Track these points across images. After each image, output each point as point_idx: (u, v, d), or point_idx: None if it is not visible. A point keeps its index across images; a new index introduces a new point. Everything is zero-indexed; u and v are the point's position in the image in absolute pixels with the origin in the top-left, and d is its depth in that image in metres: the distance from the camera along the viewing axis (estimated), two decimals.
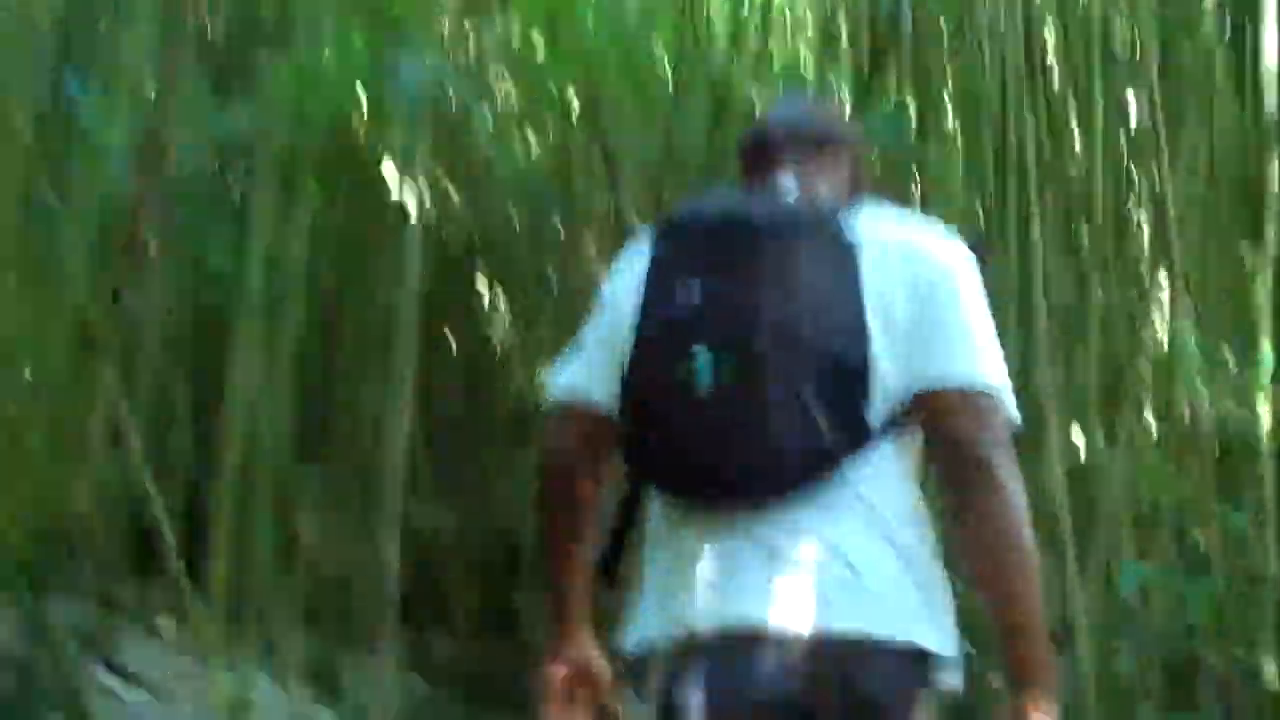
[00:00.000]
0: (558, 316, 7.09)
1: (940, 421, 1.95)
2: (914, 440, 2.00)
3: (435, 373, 8.32)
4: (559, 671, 2.10)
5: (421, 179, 5.38)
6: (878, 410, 1.93)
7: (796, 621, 1.83)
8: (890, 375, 1.93)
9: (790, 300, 1.87)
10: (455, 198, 7.36)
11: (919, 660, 1.89)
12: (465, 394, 8.72)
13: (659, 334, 1.93)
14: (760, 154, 2.18)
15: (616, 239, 7.01)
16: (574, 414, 2.10)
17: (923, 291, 1.97)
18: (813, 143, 2.17)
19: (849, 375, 1.89)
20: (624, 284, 2.07)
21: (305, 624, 5.59)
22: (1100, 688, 4.59)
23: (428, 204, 6.25)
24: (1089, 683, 4.56)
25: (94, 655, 4.79)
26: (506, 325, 9.25)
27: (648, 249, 2.06)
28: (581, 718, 2.06)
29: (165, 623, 4.80)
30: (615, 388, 2.02)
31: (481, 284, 8.89)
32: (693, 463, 1.90)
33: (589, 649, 2.13)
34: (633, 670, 1.99)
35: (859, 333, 1.90)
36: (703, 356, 1.85)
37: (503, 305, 9.19)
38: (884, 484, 1.93)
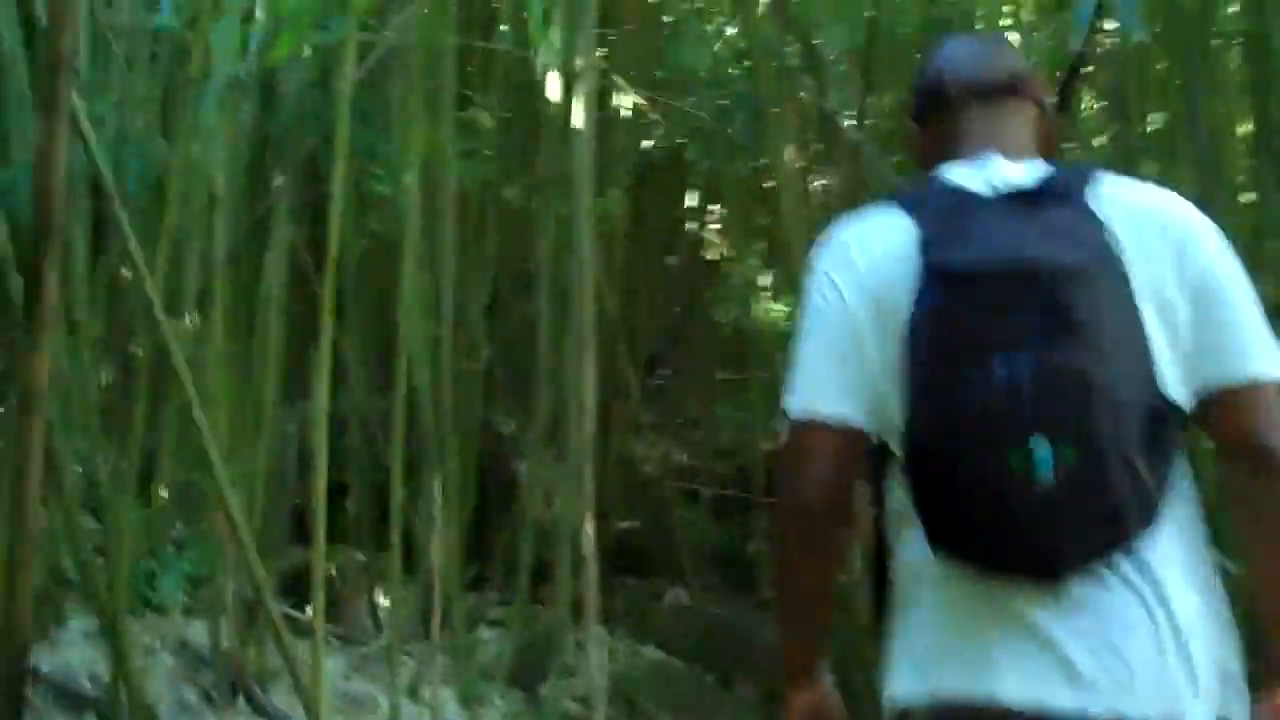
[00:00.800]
0: (769, 227, 6.35)
1: (1228, 419, 1.87)
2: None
3: (646, 293, 7.75)
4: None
5: (589, 76, 4.62)
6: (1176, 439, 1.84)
7: (1103, 706, 1.77)
8: (1181, 393, 1.84)
9: (1103, 358, 1.78)
10: (642, 101, 6.65)
11: None
12: (680, 314, 8.10)
13: (977, 416, 1.79)
14: (939, 109, 2.05)
15: (822, 137, 6.25)
16: (825, 434, 1.90)
17: (1197, 285, 1.86)
18: (994, 93, 2.03)
19: (1159, 419, 1.81)
20: (859, 297, 1.90)
21: (517, 595, 4.93)
22: None
23: (601, 108, 5.55)
24: None
25: (229, 682, 4.04)
26: (716, 238, 8.61)
27: (910, 276, 1.85)
28: None
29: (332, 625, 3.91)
30: (869, 407, 1.88)
31: (686, 195, 8.27)
32: (1028, 547, 1.79)
33: (829, 694, 2.04)
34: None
35: (1156, 371, 1.81)
36: (1042, 446, 1.76)
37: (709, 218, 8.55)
38: (1182, 539, 1.84)
